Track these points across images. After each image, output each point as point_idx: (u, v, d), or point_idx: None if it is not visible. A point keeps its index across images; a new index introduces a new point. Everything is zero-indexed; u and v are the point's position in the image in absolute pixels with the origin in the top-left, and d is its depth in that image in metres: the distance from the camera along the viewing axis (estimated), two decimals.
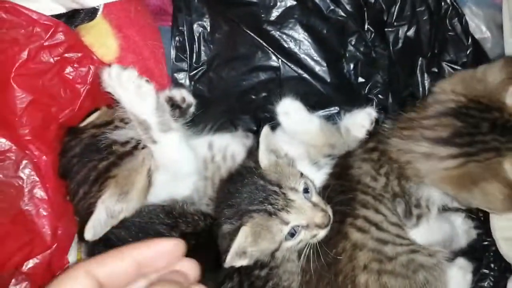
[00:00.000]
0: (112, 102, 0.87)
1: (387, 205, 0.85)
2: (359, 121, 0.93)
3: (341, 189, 0.87)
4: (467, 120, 0.79)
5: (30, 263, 0.72)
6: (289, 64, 0.97)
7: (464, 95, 0.81)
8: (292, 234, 0.78)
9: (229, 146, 0.95)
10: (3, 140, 0.73)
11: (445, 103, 0.81)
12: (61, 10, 0.84)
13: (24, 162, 0.74)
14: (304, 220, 0.78)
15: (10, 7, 0.73)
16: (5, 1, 0.74)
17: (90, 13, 0.87)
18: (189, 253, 0.82)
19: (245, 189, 0.79)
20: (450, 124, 0.79)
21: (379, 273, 0.79)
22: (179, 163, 0.86)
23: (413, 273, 0.80)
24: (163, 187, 0.86)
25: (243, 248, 0.76)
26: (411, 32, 0.96)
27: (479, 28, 1.03)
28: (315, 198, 0.82)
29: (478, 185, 0.75)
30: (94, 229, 0.76)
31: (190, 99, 0.94)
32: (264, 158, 0.81)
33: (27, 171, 0.74)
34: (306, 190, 0.81)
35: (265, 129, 0.81)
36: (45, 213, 0.74)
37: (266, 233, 0.77)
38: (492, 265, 0.95)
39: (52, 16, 0.82)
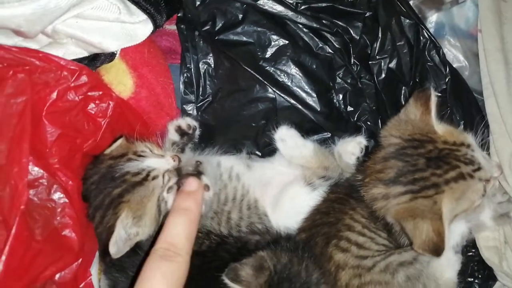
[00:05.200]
0: (128, 133, 0.99)
1: (376, 232, 0.91)
2: (350, 149, 1.02)
3: (332, 212, 0.94)
4: (406, 159, 0.85)
5: (60, 275, 0.81)
6: (283, 95, 1.07)
7: (400, 137, 0.87)
8: None
9: (234, 167, 1.05)
10: (36, 168, 0.82)
11: (388, 148, 0.88)
12: (84, 54, 0.94)
13: (55, 186, 0.83)
14: None
15: (43, 56, 0.84)
16: (38, 50, 0.86)
17: (109, 56, 0.98)
18: (194, 274, 0.92)
19: None
20: (394, 165, 0.85)
21: None
22: None
23: (392, 276, 0.85)
24: None
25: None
26: (393, 64, 1.05)
27: (457, 58, 1.12)
28: None
29: (415, 219, 0.81)
30: (117, 245, 0.85)
31: (193, 123, 1.05)
32: None
33: (57, 194, 0.84)
34: None
35: None
36: (73, 230, 0.83)
37: None
38: (476, 274, 1.02)
39: (76, 59, 0.94)
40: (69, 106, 0.88)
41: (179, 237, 0.60)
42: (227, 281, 0.81)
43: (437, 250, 0.79)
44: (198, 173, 0.85)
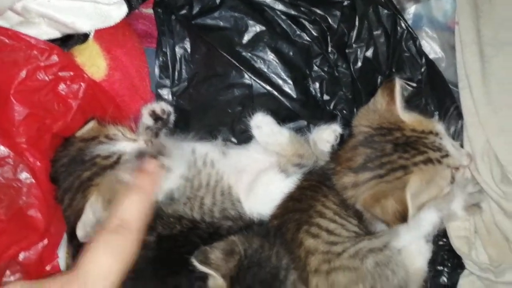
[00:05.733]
0: (101, 116, 0.98)
1: (347, 219, 0.91)
2: (325, 137, 1.02)
3: (305, 198, 0.95)
4: (374, 146, 0.87)
5: (24, 255, 0.81)
6: (259, 82, 1.06)
7: (369, 126, 0.89)
8: None
9: (209, 153, 1.04)
10: (2, 147, 0.82)
11: (358, 136, 0.90)
12: (57, 34, 0.93)
13: (21, 166, 0.82)
14: None
15: (12, 34, 0.83)
16: (8, 28, 0.84)
17: (83, 37, 0.97)
18: (165, 258, 0.92)
19: None
20: (362, 153, 0.87)
21: (328, 273, 0.85)
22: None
23: (361, 262, 0.86)
24: None
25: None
26: (369, 53, 1.05)
27: (434, 50, 1.12)
28: None
29: (380, 202, 0.83)
30: (84, 229, 0.84)
31: (168, 108, 1.04)
32: None
33: (24, 174, 0.83)
34: None
35: None
36: (39, 211, 0.83)
37: None
38: (446, 262, 1.03)
39: (49, 40, 0.93)
40: (38, 85, 0.87)
41: (130, 213, 0.59)
42: (196, 263, 0.81)
43: (403, 217, 0.81)
44: (158, 154, 0.85)
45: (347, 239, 0.88)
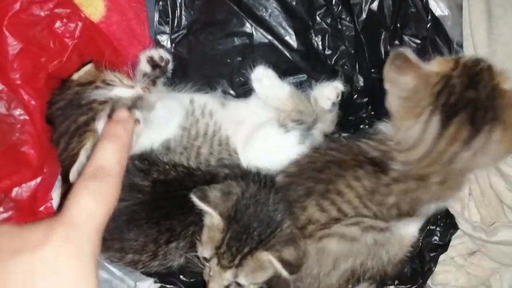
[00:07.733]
0: (98, 61, 0.95)
1: (366, 204, 0.88)
2: (326, 94, 1.00)
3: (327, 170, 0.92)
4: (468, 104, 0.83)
5: (17, 191, 0.80)
6: (260, 30, 1.04)
7: (431, 103, 0.84)
8: None
9: (208, 104, 1.02)
10: None
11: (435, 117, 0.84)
12: None
13: (15, 102, 0.81)
14: None
15: None
16: None
17: None
18: (159, 200, 0.91)
19: None
20: (463, 119, 0.83)
21: (320, 238, 0.85)
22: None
23: (361, 232, 0.85)
24: (147, 134, 0.93)
25: None
26: (374, 5, 1.03)
27: (440, 7, 1.10)
28: None
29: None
30: (78, 174, 0.85)
31: (167, 55, 1.01)
32: None
33: (18, 111, 0.81)
34: None
35: None
36: (32, 148, 0.81)
37: None
38: (439, 222, 1.04)
39: None
40: (33, 20, 0.85)
41: (108, 160, 0.58)
42: (195, 199, 0.81)
43: None
44: (132, 107, 0.85)
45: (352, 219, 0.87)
